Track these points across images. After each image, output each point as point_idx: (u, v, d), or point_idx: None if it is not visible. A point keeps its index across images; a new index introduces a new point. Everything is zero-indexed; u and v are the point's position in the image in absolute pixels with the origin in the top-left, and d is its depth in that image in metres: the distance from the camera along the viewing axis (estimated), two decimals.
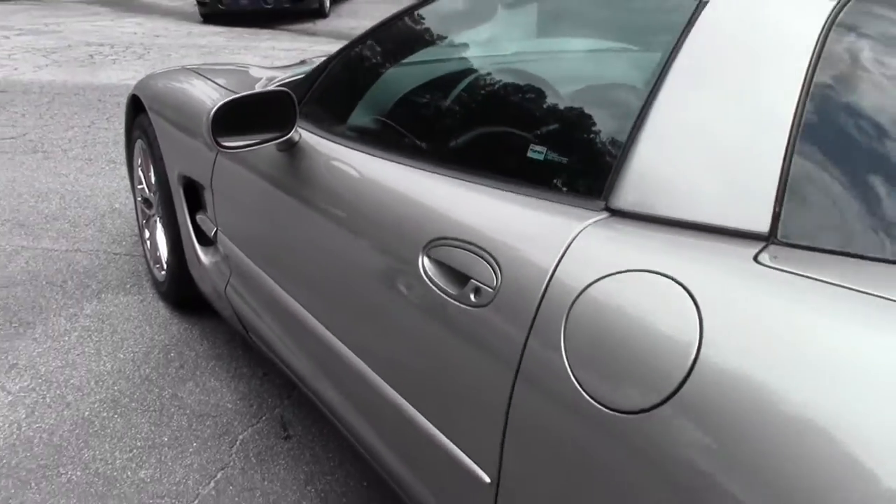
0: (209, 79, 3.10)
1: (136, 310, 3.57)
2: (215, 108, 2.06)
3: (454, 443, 1.59)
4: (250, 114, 2.12)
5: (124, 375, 3.05)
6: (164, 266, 3.49)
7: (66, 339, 3.32)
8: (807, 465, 0.96)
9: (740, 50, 1.38)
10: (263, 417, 2.81)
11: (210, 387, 2.98)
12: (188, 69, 3.43)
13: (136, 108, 3.57)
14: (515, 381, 1.39)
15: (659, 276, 1.22)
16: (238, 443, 2.67)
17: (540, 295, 1.37)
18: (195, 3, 14.77)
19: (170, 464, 2.56)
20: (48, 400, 2.89)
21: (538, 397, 1.35)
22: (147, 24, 14.10)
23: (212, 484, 2.47)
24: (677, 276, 1.20)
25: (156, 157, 3.30)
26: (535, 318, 1.37)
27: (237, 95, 2.15)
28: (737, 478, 1.04)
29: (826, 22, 1.34)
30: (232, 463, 2.57)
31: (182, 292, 3.39)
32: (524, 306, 1.38)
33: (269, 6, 14.13)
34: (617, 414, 1.20)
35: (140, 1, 17.81)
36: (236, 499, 2.41)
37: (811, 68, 1.29)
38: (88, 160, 5.82)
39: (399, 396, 1.76)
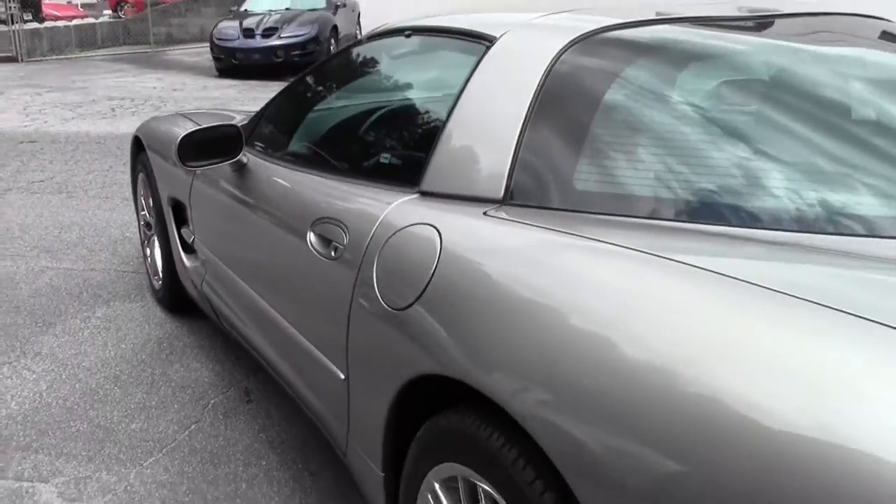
0: (195, 121, 3.97)
1: (138, 313, 4.41)
2: (181, 136, 2.91)
3: (321, 352, 2.40)
4: (210, 143, 2.97)
5: (125, 360, 3.87)
6: (160, 276, 4.35)
7: (80, 334, 4.16)
8: (514, 339, 1.60)
9: (503, 79, 2.14)
10: (232, 388, 3.62)
11: (192, 367, 3.80)
12: (180, 114, 4.31)
13: (138, 147, 4.46)
14: (352, 302, 2.20)
15: (425, 225, 2.03)
16: (210, 405, 3.48)
17: (365, 246, 2.18)
18: (211, 58, 15.78)
19: (155, 420, 3.37)
20: (64, 377, 3.71)
21: (362, 311, 2.13)
22: (167, 79, 15.14)
23: (186, 433, 3.27)
24: (435, 224, 2.01)
25: (153, 186, 4.17)
26: (362, 261, 2.17)
27: (197, 127, 3.00)
28: (460, 344, 1.74)
29: (552, 59, 2.08)
30: (203, 419, 3.37)
31: (174, 297, 4.24)
32: (357, 255, 2.18)
33: (280, 59, 15.10)
34: (396, 311, 1.99)
35: (162, 57, 18.94)
36: (204, 442, 3.21)
37: (538, 90, 2.03)
38: (106, 198, 6.75)
39: (292, 327, 2.58)
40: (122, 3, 30.74)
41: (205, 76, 15.56)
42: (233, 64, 15.17)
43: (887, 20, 2.50)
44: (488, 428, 1.62)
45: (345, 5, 17.16)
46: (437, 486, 1.84)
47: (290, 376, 2.67)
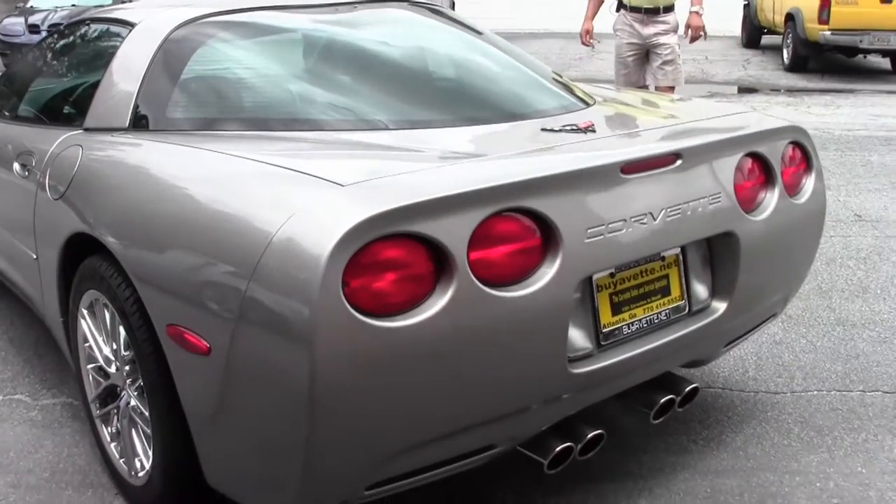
0: None
1: None
2: None
3: (21, 242, 3.49)
4: None
5: None
6: None
7: None
8: (114, 206, 2.87)
9: (136, 49, 3.20)
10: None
11: None
12: None
13: None
14: (35, 201, 3.29)
15: (75, 146, 3.15)
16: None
17: (43, 164, 3.26)
18: None
19: None
20: None
21: (41, 206, 3.20)
22: None
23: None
24: (81, 143, 3.13)
25: None
26: (40, 173, 3.29)
27: None
28: (90, 213, 2.85)
29: (166, 34, 3.17)
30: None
31: None
32: (39, 170, 3.22)
33: None
34: (57, 199, 3.11)
35: None
36: None
37: (154, 55, 3.10)
38: None
39: (7, 232, 3.64)
40: None
41: None
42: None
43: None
44: (105, 263, 2.69)
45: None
46: (85, 311, 2.92)
47: (10, 272, 3.73)
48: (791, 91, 11.91)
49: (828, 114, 9.95)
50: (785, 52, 13.51)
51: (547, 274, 2.20)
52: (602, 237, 2.28)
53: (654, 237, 2.42)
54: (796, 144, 2.94)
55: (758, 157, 2.78)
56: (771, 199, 2.79)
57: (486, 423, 2.25)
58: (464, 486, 2.87)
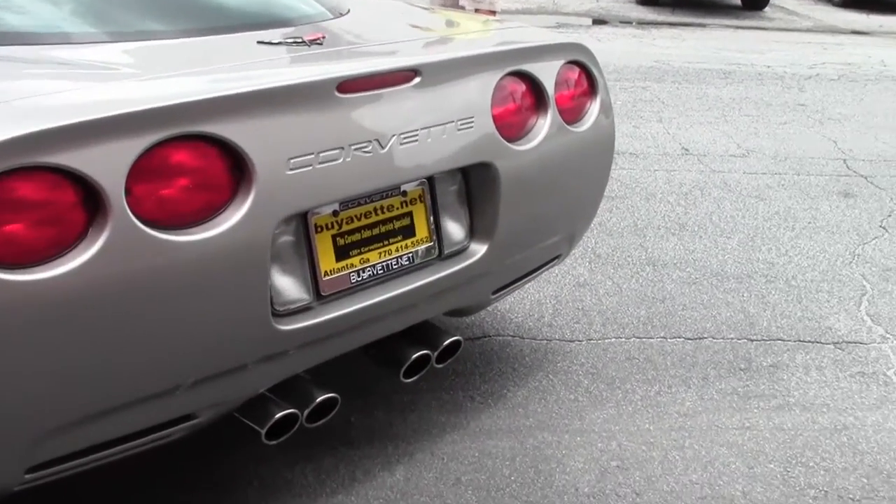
0: None
1: None
2: None
3: None
4: None
5: None
6: None
7: None
8: None
9: None
10: None
11: None
12: None
13: None
14: None
15: None
16: None
17: None
18: None
19: None
20: None
21: None
22: None
23: None
24: None
25: None
26: None
27: None
28: None
29: None
30: None
31: None
32: None
33: None
34: None
35: None
36: None
37: None
38: None
39: None
40: None
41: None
42: None
43: None
44: None
45: None
46: None
47: None
48: (641, 23, 11.78)
49: (672, 46, 9.79)
50: None
51: (236, 213, 1.76)
52: (311, 168, 1.88)
53: (385, 168, 2.04)
54: (577, 64, 2.56)
55: (526, 78, 2.38)
56: (542, 127, 2.43)
57: (176, 389, 1.87)
58: (200, 465, 2.47)
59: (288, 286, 1.98)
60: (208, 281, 1.79)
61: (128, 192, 1.68)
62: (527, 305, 3.48)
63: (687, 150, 5.67)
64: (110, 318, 1.70)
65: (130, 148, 1.67)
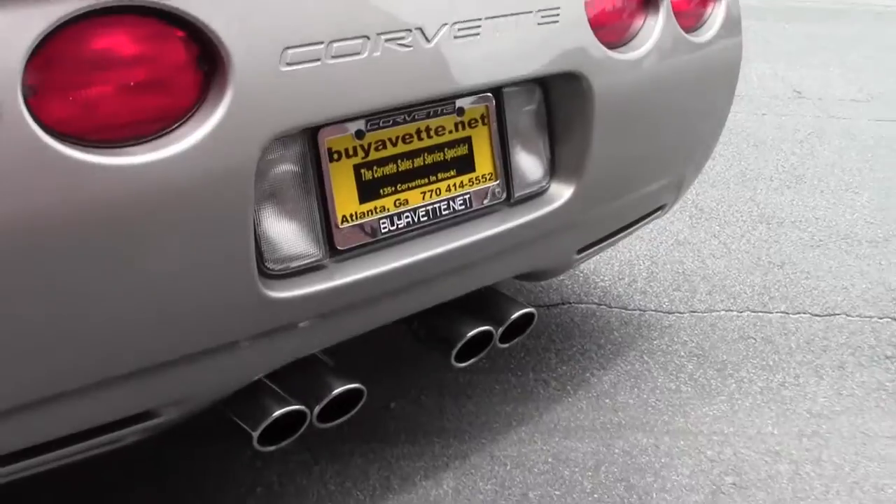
0: None
1: None
2: None
3: None
4: None
5: None
6: None
7: None
8: None
9: None
10: None
11: None
12: None
13: None
14: None
15: None
16: None
17: None
18: None
19: None
20: None
21: None
22: None
23: None
24: None
25: None
26: None
27: None
28: None
29: None
30: None
31: None
32: None
33: None
34: None
35: None
36: None
37: None
38: None
39: None
40: None
41: None
42: None
43: None
44: None
45: None
46: None
47: None
48: None
49: None
50: None
51: (202, 127, 1.12)
52: (319, 65, 1.23)
53: (433, 72, 1.39)
54: None
55: None
56: (651, 31, 1.75)
57: (126, 377, 1.31)
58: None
59: (286, 236, 1.35)
60: (158, 226, 1.16)
61: (30, 90, 1.03)
62: (615, 267, 2.79)
63: (799, 93, 4.89)
64: (12, 279, 1.06)
65: (32, 23, 1.02)
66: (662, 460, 2.00)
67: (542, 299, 2.58)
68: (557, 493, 1.90)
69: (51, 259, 1.12)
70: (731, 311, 2.64)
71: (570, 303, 2.62)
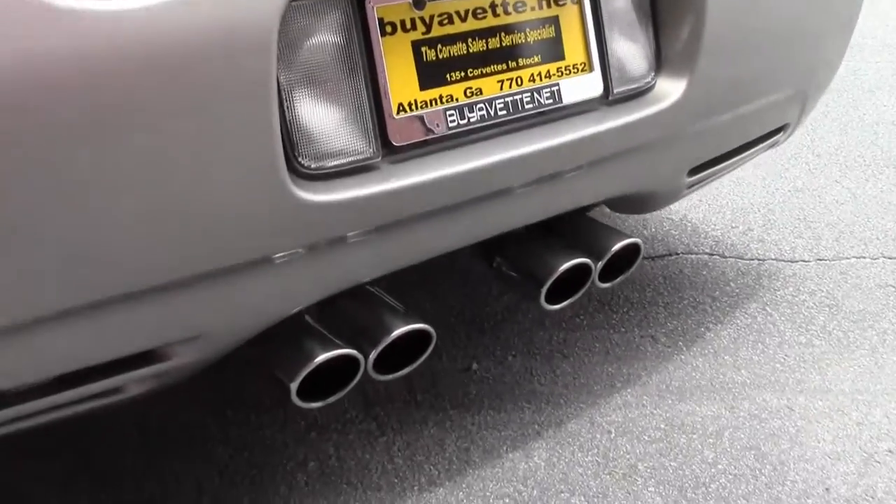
0: None
1: None
2: None
3: None
4: None
5: None
6: None
7: None
8: None
9: None
10: None
11: None
12: None
13: None
14: None
15: None
16: None
17: None
18: None
19: None
20: None
21: None
22: None
23: None
24: None
25: None
26: None
27: None
28: None
29: None
30: None
31: None
32: None
33: None
34: None
35: None
36: None
37: None
38: None
39: None
40: None
41: None
42: None
43: None
44: None
45: None
46: None
47: None
48: None
49: None
50: None
51: None
52: None
53: None
54: None
55: None
56: None
57: (123, 300, 1.02)
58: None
59: (326, 127, 1.03)
60: (148, 94, 0.83)
61: None
62: (727, 215, 2.42)
63: None
64: None
65: None
66: (798, 424, 1.63)
67: (646, 250, 2.23)
68: (673, 464, 1.54)
69: (22, 132, 0.81)
70: (864, 257, 2.24)
71: (677, 253, 2.25)
